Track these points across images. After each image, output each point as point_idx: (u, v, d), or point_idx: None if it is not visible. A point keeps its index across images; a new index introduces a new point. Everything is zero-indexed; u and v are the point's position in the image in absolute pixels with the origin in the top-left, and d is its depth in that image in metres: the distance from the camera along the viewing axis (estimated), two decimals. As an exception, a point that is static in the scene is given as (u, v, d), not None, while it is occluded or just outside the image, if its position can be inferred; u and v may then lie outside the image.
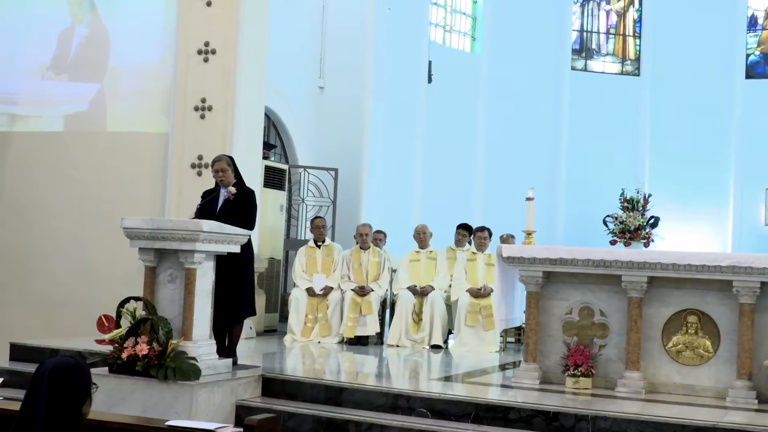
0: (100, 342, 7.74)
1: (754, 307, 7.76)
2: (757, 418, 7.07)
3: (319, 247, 11.77)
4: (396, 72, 15.97)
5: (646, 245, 17.52)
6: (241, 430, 4.19)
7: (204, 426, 4.35)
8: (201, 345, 7.60)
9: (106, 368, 7.52)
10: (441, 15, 18.03)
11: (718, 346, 8.01)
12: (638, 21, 19.62)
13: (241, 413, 7.44)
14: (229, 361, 8.01)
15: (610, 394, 7.90)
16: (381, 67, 15.24)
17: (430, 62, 16.89)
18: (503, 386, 8.53)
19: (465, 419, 7.26)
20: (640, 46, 19.55)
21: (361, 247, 11.75)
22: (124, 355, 7.35)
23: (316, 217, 12.32)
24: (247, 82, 11.29)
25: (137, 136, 11.58)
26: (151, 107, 11.58)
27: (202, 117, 11.15)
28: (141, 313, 7.59)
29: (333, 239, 12.81)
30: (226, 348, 8.32)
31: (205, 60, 11.17)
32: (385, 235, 12.47)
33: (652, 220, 17.81)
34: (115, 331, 7.54)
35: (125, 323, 7.60)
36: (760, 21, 19.48)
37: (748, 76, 19.10)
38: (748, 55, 19.27)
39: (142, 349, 7.27)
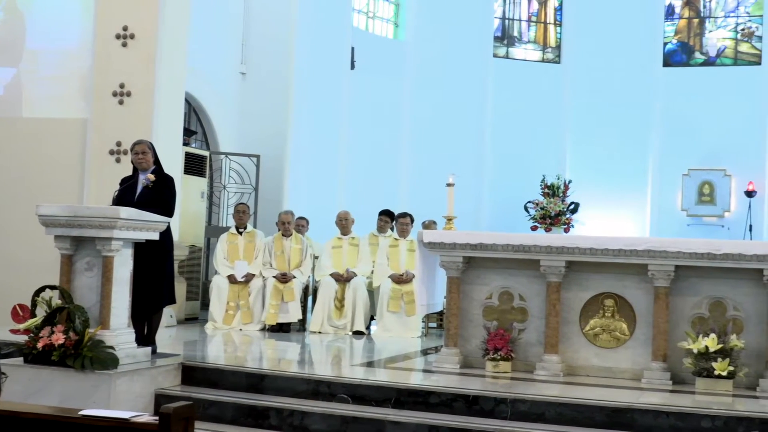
0: (14, 332, 7.61)
1: (669, 290, 7.93)
2: (672, 399, 7.23)
3: (240, 233, 11.71)
4: (319, 58, 15.93)
5: (567, 230, 17.78)
6: (157, 418, 4.14)
7: (119, 415, 4.29)
8: (119, 334, 7.52)
9: (22, 358, 7.40)
10: (364, 1, 18.01)
11: (635, 328, 8.16)
12: (559, 9, 19.85)
13: (161, 402, 7.35)
14: (149, 349, 7.95)
15: (529, 378, 8.00)
16: (304, 53, 15.18)
17: (353, 48, 16.88)
18: (425, 371, 8.58)
19: (386, 404, 7.30)
20: (560, 34, 19.79)
21: (283, 234, 11.71)
22: (40, 345, 7.24)
23: (240, 203, 12.26)
24: (167, 68, 11.15)
25: (54, 122, 11.36)
26: (68, 92, 11.37)
27: (121, 103, 10.99)
28: (57, 302, 7.48)
29: (255, 226, 12.75)
30: (146, 336, 8.24)
31: (124, 45, 11.00)
32: (307, 222, 12.46)
33: (572, 206, 18.07)
34: (30, 321, 7.42)
35: (41, 312, 7.48)
36: (677, 10, 19.85)
37: (665, 64, 19.47)
38: (665, 44, 19.63)
39: (59, 338, 7.17)
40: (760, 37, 19.11)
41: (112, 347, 7.34)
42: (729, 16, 19.60)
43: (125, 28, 10.99)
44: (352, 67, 16.90)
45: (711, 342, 7.57)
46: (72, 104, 11.33)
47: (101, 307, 7.43)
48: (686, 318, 7.99)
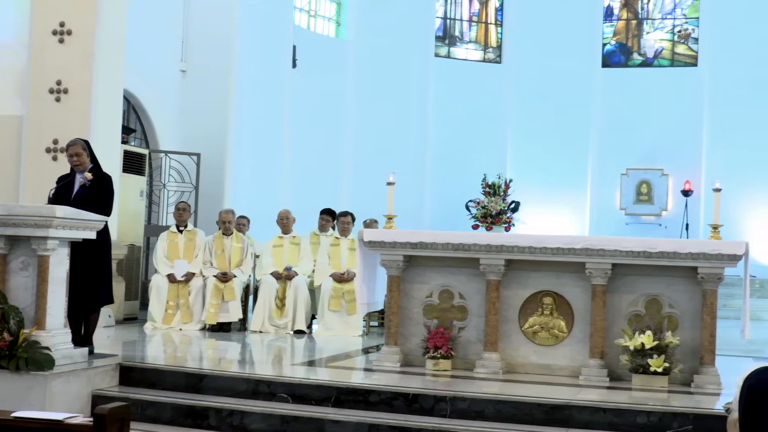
0: (-53, 333, 7.45)
1: (606, 288, 8.02)
2: (609, 395, 7.32)
3: (181, 232, 11.61)
4: (260, 56, 15.86)
5: (507, 229, 17.90)
6: (92, 419, 4.10)
7: (52, 416, 4.24)
8: (55, 334, 7.41)
9: (-46, 360, 7.26)
10: (306, 0, 17.97)
11: (573, 326, 8.24)
12: (500, 9, 19.98)
13: (98, 403, 7.25)
14: (85, 350, 7.83)
15: (469, 375, 8.04)
16: (245, 50, 15.09)
17: (294, 47, 16.84)
18: (366, 370, 8.58)
19: (326, 403, 7.29)
20: (501, 34, 19.92)
21: (223, 233, 11.63)
22: (-27, 346, 7.10)
23: (180, 201, 12.16)
24: (105, 64, 11.00)
25: (-11, 119, 11.18)
26: (3, 89, 11.18)
27: (58, 100, 10.83)
28: (-9, 302, 7.34)
29: (195, 225, 12.65)
30: (83, 337, 8.13)
31: (61, 41, 10.84)
32: (248, 221, 12.39)
33: (513, 205, 18.21)
34: (-37, 322, 7.27)
35: (-26, 313, 7.34)
36: (616, 11, 20.10)
37: (604, 65, 19.72)
38: (604, 45, 19.87)
39: (-8, 339, 7.05)
40: (696, 39, 19.43)
41: (47, 348, 7.23)
42: (666, 18, 19.90)
43: (62, 24, 10.83)
44: (294, 65, 16.86)
45: (647, 339, 7.68)
46: (7, 101, 11.13)
47: (37, 307, 7.32)
48: (623, 315, 8.09)
